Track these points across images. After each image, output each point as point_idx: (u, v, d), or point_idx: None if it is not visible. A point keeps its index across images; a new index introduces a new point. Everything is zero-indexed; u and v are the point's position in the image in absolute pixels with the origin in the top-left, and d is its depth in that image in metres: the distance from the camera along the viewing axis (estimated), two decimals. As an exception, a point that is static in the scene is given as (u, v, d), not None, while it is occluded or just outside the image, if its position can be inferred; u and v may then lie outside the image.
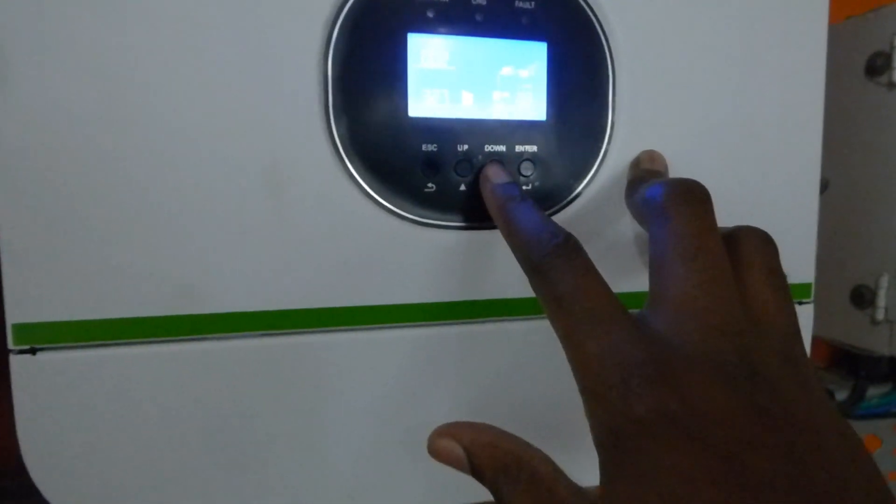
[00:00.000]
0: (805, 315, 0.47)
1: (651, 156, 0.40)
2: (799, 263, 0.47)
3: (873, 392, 0.72)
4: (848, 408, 0.72)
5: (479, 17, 0.38)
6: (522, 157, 0.39)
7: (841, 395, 0.72)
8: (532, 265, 0.30)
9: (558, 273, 0.28)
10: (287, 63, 0.35)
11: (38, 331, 0.33)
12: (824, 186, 0.49)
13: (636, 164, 0.40)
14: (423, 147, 0.37)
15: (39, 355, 0.33)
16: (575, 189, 0.41)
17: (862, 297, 0.63)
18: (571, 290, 0.26)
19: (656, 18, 0.40)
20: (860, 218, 0.66)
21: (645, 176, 0.38)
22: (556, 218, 0.40)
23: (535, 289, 0.30)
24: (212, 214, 0.35)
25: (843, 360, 0.76)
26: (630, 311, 0.26)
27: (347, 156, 0.36)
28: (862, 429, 0.78)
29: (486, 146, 0.38)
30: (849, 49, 0.66)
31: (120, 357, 0.34)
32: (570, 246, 0.29)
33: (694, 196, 0.29)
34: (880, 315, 0.62)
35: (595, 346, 0.24)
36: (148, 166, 0.34)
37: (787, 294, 0.28)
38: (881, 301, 0.62)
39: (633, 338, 0.24)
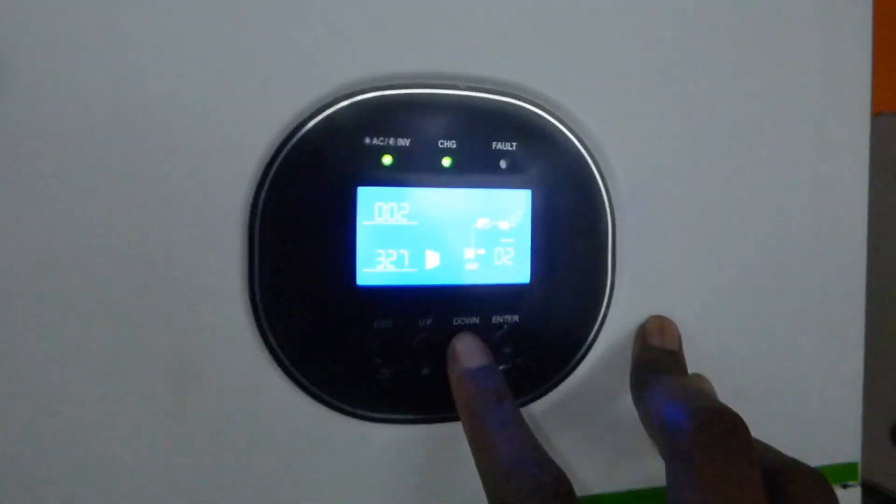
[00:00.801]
0: (852, 501, 0.39)
1: (661, 326, 0.32)
2: (844, 438, 0.38)
3: (920, 540, 0.63)
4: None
5: (446, 163, 0.30)
6: (502, 328, 0.31)
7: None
8: None
9: None
10: (203, 216, 0.28)
11: None
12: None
13: (643, 336, 0.32)
14: (376, 324, 0.30)
15: None
16: (567, 366, 0.33)
17: (904, 439, 0.54)
18: None
19: (662, 153, 0.33)
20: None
21: (655, 358, 0.30)
22: (543, 402, 0.32)
23: None
24: (104, 420, 0.27)
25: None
26: None
27: (275, 337, 0.29)
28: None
29: (455, 318, 0.31)
30: (882, 150, 0.59)
31: None
32: (559, 498, 0.22)
33: (728, 440, 0.21)
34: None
35: None
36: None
37: None
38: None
39: None
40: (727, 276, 0.35)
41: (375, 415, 0.30)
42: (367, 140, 0.29)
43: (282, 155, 0.28)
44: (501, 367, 0.31)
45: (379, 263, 0.30)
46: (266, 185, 0.28)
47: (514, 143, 0.31)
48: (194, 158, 0.27)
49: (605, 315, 0.33)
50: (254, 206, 0.28)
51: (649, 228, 0.33)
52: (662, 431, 0.24)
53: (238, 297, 0.28)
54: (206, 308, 0.28)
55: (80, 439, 0.27)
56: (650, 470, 0.34)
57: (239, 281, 0.28)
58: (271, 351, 0.29)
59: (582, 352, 0.33)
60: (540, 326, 0.32)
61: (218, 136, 0.27)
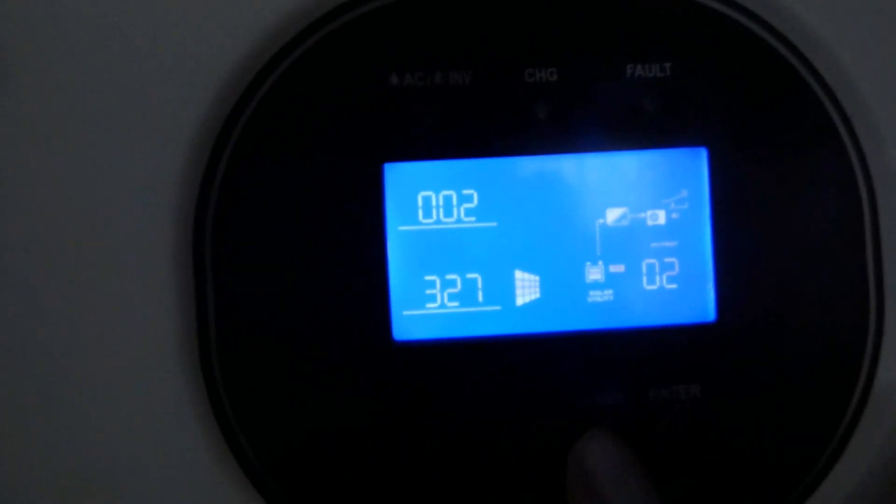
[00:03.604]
0: None
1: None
2: None
3: None
4: None
5: (542, 112, 0.17)
6: (670, 412, 0.17)
7: None
8: None
9: None
10: (119, 230, 0.16)
11: None
12: None
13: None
14: (431, 413, 0.16)
15: None
16: (798, 485, 0.17)
17: None
18: None
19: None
20: None
21: None
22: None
23: None
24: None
25: None
26: None
27: (251, 443, 0.16)
28: None
29: (578, 398, 0.16)
30: None
31: None
32: None
33: None
34: None
35: None
36: None
37: None
38: None
39: None
40: None
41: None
42: (396, 78, 0.16)
43: (244, 118, 0.16)
44: (670, 489, 0.16)
45: (431, 300, 0.17)
46: (219, 174, 0.16)
47: (669, 64, 0.17)
48: (100, 132, 0.15)
49: (870, 381, 0.17)
50: (200, 209, 0.16)
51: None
52: None
53: (181, 370, 0.16)
54: (127, 390, 0.16)
55: None
56: None
57: (181, 344, 0.16)
58: (247, 469, 0.16)
59: (827, 455, 0.17)
60: (742, 406, 0.17)
61: (134, 94, 0.15)
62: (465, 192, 0.17)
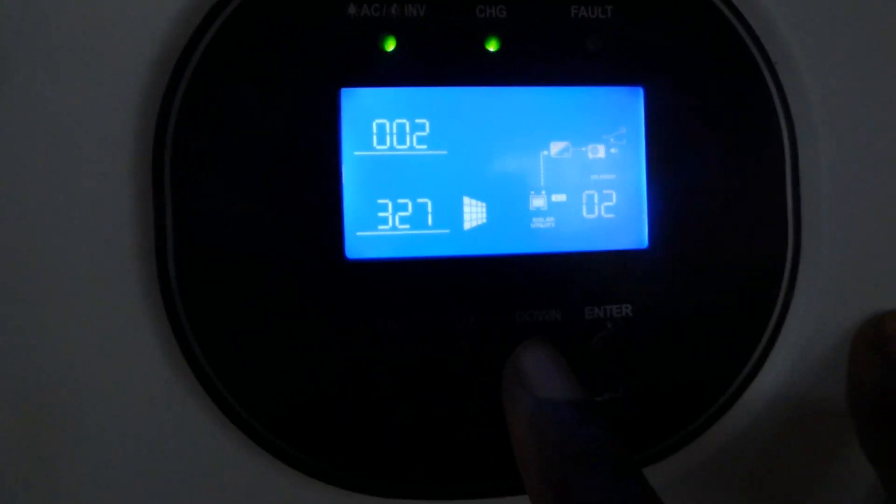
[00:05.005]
0: None
1: None
2: None
3: None
4: None
5: (492, 46, 0.18)
6: (603, 330, 0.18)
7: None
8: None
9: None
10: (80, 150, 0.16)
11: None
12: None
13: (884, 346, 0.17)
14: (380, 324, 0.17)
15: None
16: (718, 398, 0.19)
17: None
18: None
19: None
20: None
21: None
22: (674, 463, 0.19)
23: None
24: None
25: None
26: None
27: (206, 353, 0.17)
28: None
29: (518, 312, 0.18)
30: None
31: None
32: None
33: None
34: None
35: None
36: None
37: None
38: None
39: None
40: None
41: (383, 484, 0.17)
42: (353, 9, 0.17)
43: (204, 42, 0.17)
44: (601, 399, 0.18)
45: (383, 222, 0.17)
46: (179, 95, 0.16)
47: (611, 7, 0.18)
48: (55, 55, 0.16)
49: (786, 307, 0.19)
50: (160, 130, 0.16)
51: (861, 159, 0.19)
52: None
53: (138, 284, 0.16)
54: (86, 304, 0.16)
55: None
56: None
57: (139, 259, 0.16)
58: (201, 376, 0.17)
59: (745, 372, 0.19)
60: (669, 326, 0.18)
61: (96, 18, 0.16)
62: (418, 120, 0.18)
